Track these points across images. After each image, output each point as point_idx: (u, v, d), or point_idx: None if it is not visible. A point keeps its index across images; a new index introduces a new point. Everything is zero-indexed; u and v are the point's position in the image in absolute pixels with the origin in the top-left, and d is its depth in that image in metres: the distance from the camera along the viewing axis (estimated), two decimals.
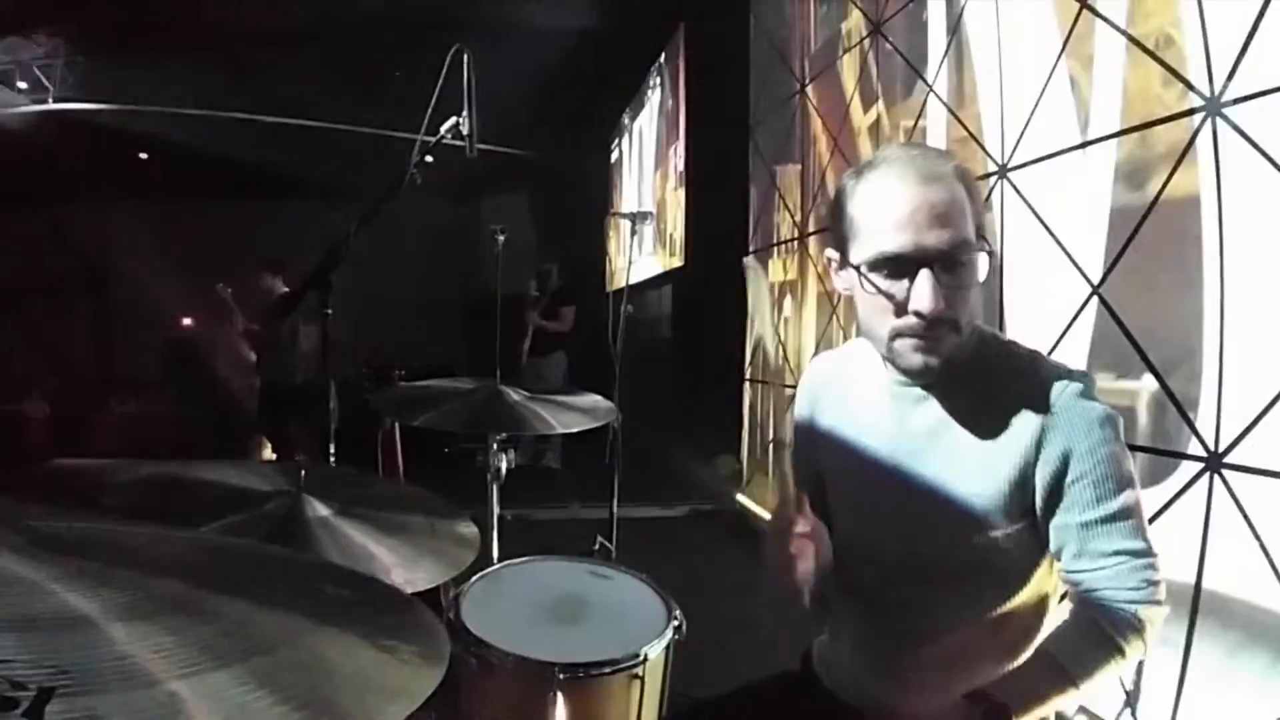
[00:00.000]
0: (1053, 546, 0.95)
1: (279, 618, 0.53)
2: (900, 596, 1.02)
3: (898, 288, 0.90)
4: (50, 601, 0.45)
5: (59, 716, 0.37)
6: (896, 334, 0.92)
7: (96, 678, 0.41)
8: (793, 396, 3.79)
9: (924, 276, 0.87)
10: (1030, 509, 0.95)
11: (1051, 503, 0.94)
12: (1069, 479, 0.92)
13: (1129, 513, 0.92)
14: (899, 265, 0.89)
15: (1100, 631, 0.90)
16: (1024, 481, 0.94)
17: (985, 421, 0.96)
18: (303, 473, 1.12)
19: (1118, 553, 0.91)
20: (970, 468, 0.96)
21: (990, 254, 0.94)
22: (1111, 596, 0.91)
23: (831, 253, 1.00)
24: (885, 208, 0.90)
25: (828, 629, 1.18)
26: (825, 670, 1.15)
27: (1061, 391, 0.93)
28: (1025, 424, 0.93)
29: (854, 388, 1.09)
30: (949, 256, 0.88)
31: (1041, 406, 0.93)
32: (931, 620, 1.00)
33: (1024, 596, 0.99)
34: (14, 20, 4.84)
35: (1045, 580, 1.00)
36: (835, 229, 0.98)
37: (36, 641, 0.42)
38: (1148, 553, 0.92)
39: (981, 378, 0.97)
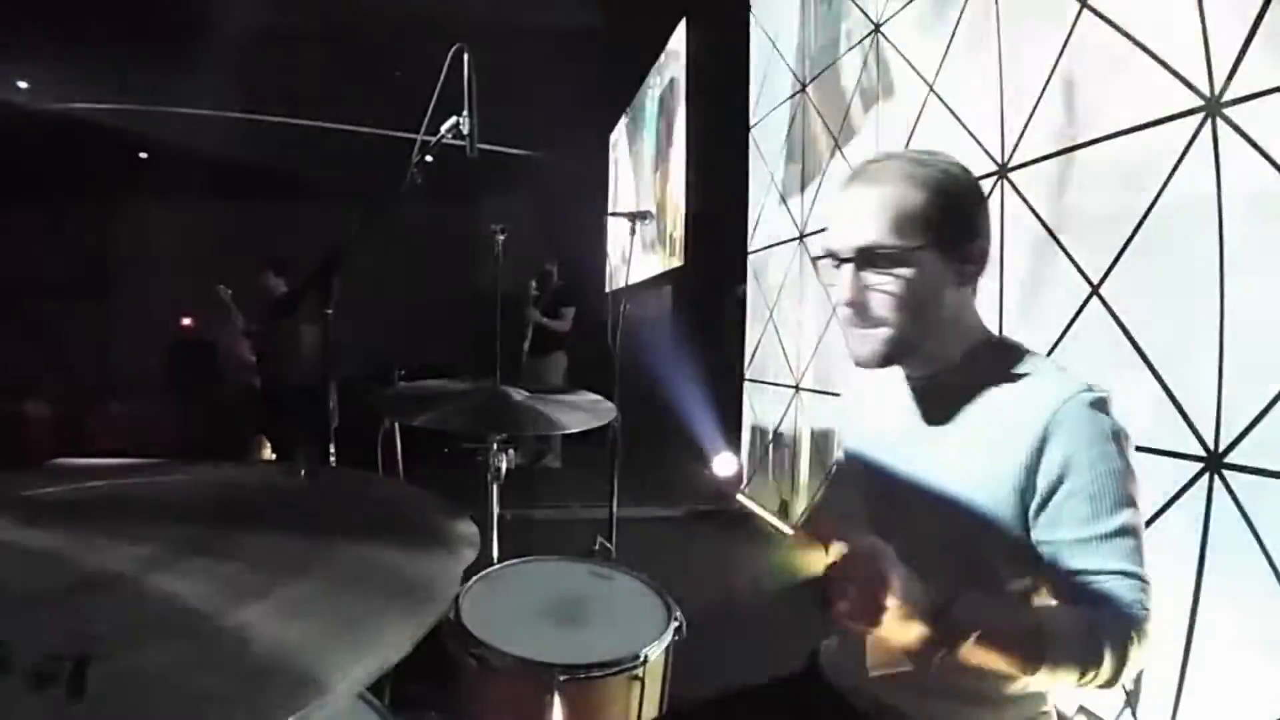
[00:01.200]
0: (1046, 560, 0.92)
1: (298, 542, 0.54)
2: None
3: (833, 279, 0.98)
4: (66, 568, 0.45)
5: (104, 682, 0.37)
6: (843, 324, 1.00)
7: (131, 636, 0.40)
8: (793, 397, 3.80)
9: (845, 269, 0.95)
10: (1032, 518, 0.94)
11: (1045, 514, 0.91)
12: (1064, 491, 0.90)
13: (1125, 533, 0.88)
14: (834, 261, 0.97)
15: (1089, 628, 0.86)
16: (1026, 491, 0.92)
17: (989, 429, 0.95)
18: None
19: (1112, 572, 0.88)
20: (977, 474, 0.95)
21: (950, 259, 0.95)
22: (1103, 609, 0.88)
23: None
24: (831, 208, 0.99)
25: (835, 631, 1.18)
26: (833, 672, 1.15)
27: (1068, 400, 0.91)
28: (1028, 432, 0.92)
29: (873, 398, 1.12)
30: (866, 254, 0.94)
31: (1045, 415, 0.91)
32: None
33: (1033, 602, 0.99)
34: (15, 20, 4.83)
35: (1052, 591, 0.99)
36: None
37: (61, 612, 0.41)
38: (1142, 578, 0.89)
39: (987, 385, 0.97)
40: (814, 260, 1.07)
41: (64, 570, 0.44)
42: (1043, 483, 0.91)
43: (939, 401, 1.01)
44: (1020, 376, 0.97)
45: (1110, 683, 0.86)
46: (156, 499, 0.61)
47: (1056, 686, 0.88)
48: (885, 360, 0.97)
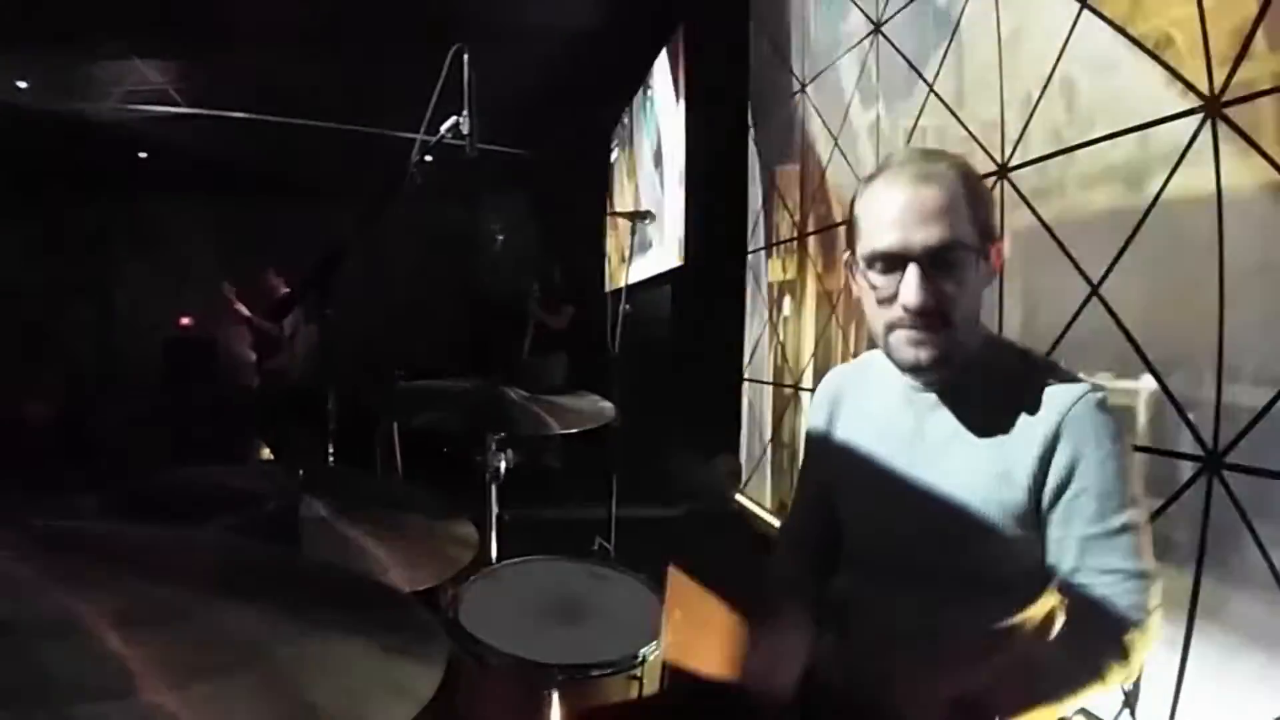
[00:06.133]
0: (1050, 558, 0.94)
1: (277, 622, 0.52)
2: (910, 601, 1.02)
3: (888, 282, 0.94)
4: (42, 603, 0.44)
5: None
6: (890, 327, 0.96)
7: (82, 685, 0.39)
8: (792, 396, 3.79)
9: (911, 271, 0.92)
10: (1041, 518, 0.95)
11: (1054, 513, 0.94)
12: (1073, 490, 0.92)
13: (1130, 530, 0.91)
14: (890, 262, 0.93)
15: (1084, 654, 0.90)
16: (1035, 490, 0.94)
17: (1000, 429, 0.96)
18: (301, 473, 1.12)
19: (1115, 571, 0.90)
20: (984, 475, 0.96)
21: (983, 256, 0.95)
22: (1102, 616, 0.90)
23: (848, 254, 1.04)
24: (880, 207, 0.95)
25: (833, 631, 1.17)
26: (830, 672, 1.15)
27: (1076, 401, 0.93)
28: (1038, 432, 0.93)
29: (871, 396, 1.11)
30: (937, 254, 0.91)
31: (1055, 415, 0.93)
32: (939, 626, 1.00)
33: (1035, 606, 0.99)
34: (14, 20, 4.83)
35: (1055, 592, 1.00)
36: (848, 230, 1.04)
37: (20, 644, 0.40)
38: (1146, 574, 0.91)
39: (998, 386, 0.97)
40: (848, 263, 1.03)
41: (27, 607, 0.43)
42: (1053, 480, 0.93)
43: (948, 402, 1.01)
44: (1030, 376, 0.98)
45: (1124, 680, 0.91)
46: (151, 551, 0.60)
47: (1086, 701, 0.92)
48: (939, 362, 0.95)
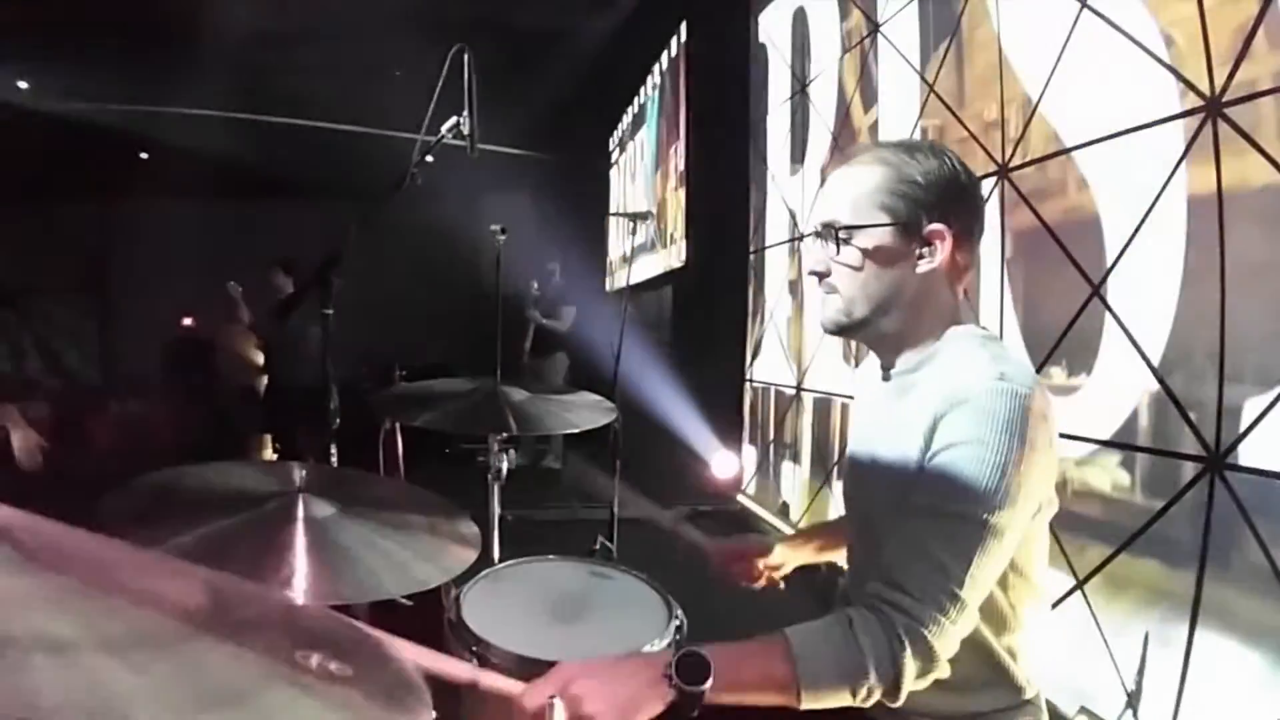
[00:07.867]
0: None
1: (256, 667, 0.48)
2: (879, 585, 1.02)
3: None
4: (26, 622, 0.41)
5: None
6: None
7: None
8: (794, 397, 3.80)
9: (815, 244, 1.03)
10: None
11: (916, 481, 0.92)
12: (931, 466, 0.90)
13: (959, 523, 0.84)
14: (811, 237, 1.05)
15: (854, 656, 0.81)
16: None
17: (917, 408, 0.95)
18: (303, 472, 1.12)
19: (926, 557, 0.84)
20: (903, 453, 0.96)
21: (908, 242, 0.97)
22: (887, 618, 0.83)
23: None
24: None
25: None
26: None
27: (965, 386, 0.89)
28: (932, 411, 0.91)
29: (867, 383, 1.15)
30: (828, 229, 1.00)
31: (947, 394, 0.90)
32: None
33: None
34: (14, 19, 4.84)
35: (1017, 584, 0.96)
36: None
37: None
38: (957, 585, 0.83)
39: (934, 368, 0.98)
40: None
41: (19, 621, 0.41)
42: (929, 455, 0.91)
43: (897, 387, 1.03)
44: (961, 359, 0.96)
45: (892, 693, 0.82)
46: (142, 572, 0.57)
47: (832, 703, 0.82)
48: (838, 327, 1.03)
